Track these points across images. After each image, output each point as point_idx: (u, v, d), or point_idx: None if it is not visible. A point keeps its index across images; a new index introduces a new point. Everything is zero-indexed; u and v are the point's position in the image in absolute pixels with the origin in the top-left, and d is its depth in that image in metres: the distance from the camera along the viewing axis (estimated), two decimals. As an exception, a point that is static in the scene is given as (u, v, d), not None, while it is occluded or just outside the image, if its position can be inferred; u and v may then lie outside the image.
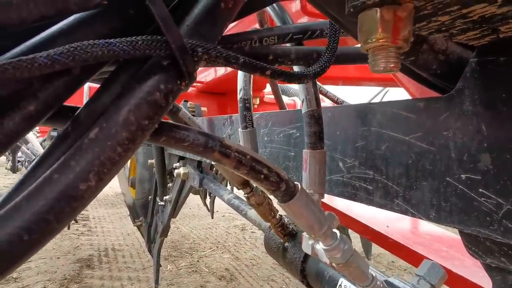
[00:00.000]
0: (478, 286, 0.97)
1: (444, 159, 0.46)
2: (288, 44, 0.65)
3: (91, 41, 0.36)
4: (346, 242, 0.52)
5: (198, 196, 3.08)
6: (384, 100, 3.20)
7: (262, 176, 0.45)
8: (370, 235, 1.33)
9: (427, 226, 1.49)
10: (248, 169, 0.45)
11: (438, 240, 1.30)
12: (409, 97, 0.98)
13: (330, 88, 1.82)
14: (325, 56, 0.54)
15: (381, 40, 0.32)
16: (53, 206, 0.33)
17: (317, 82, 1.54)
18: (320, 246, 0.54)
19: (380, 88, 3.46)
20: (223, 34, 0.55)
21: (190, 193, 2.23)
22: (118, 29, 0.43)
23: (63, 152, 0.37)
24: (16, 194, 0.35)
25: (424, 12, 0.35)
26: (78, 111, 0.41)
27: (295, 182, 0.49)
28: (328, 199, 1.65)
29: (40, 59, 0.32)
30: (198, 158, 1.54)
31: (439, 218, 0.46)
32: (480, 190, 0.41)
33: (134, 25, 0.44)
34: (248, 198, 0.79)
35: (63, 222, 0.34)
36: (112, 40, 0.37)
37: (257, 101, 2.67)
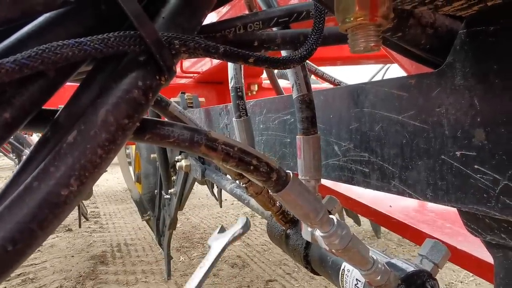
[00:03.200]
0: (482, 261, 0.96)
1: (438, 137, 0.44)
2: (275, 29, 0.63)
3: (60, 41, 0.34)
4: (344, 227, 0.51)
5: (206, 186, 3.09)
6: (385, 77, 3.15)
7: (252, 167, 0.44)
8: (374, 216, 1.32)
9: (430, 203, 1.47)
10: (237, 161, 0.44)
11: (442, 216, 1.28)
12: (404, 74, 0.95)
13: (329, 70, 1.79)
14: (311, 38, 0.52)
15: (359, 19, 0.30)
16: (35, 214, 0.33)
17: (313, 65, 1.52)
18: (319, 233, 0.53)
19: (380, 66, 3.41)
20: (206, 23, 0.54)
21: (198, 184, 2.23)
22: (92, 27, 0.41)
23: (45, 158, 0.36)
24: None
25: (404, -16, 0.33)
26: (57, 114, 0.40)
27: (287, 171, 0.47)
28: (331, 182, 1.63)
29: (7, 64, 0.31)
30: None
31: (436, 197, 0.45)
32: (476, 166, 0.40)
33: (109, 22, 0.43)
34: (246, 188, 0.78)
35: (47, 229, 0.34)
36: (82, 39, 0.35)
37: (256, 87, 2.64)
